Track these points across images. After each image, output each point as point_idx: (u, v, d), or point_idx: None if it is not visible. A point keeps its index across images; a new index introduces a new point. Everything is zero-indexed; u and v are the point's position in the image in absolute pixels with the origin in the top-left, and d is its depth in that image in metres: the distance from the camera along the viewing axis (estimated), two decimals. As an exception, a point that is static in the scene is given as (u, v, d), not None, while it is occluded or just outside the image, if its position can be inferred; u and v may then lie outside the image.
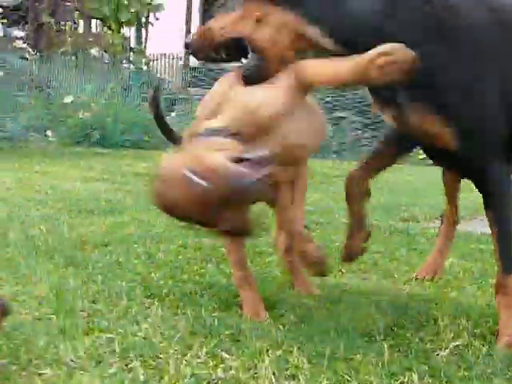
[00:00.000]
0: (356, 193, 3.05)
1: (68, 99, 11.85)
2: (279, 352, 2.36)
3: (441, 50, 2.50)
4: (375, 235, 4.80)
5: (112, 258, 3.67)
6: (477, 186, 2.74)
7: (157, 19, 16.29)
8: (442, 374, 2.27)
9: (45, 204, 5.38)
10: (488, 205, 2.71)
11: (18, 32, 15.94)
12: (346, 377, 2.22)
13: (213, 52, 2.66)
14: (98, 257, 3.67)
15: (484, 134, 2.63)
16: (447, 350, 2.47)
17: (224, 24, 2.59)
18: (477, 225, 5.50)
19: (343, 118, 14.15)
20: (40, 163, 8.61)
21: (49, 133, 11.69)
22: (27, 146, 11.16)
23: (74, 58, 13.00)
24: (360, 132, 14.32)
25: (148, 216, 4.86)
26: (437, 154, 2.93)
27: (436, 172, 3.74)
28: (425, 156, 3.37)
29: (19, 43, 14.15)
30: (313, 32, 2.51)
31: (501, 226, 2.69)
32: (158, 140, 13.00)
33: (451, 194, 3.65)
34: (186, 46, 2.73)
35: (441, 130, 2.56)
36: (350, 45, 2.49)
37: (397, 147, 3.03)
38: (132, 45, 16.52)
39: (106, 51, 13.99)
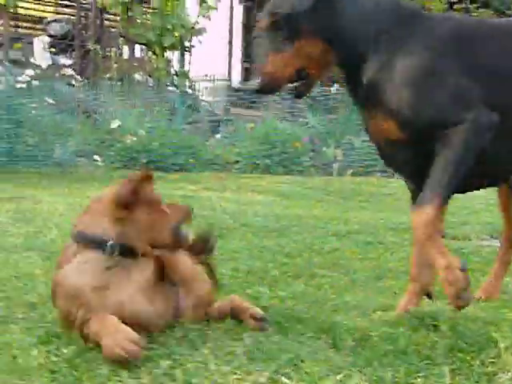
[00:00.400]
0: None
1: (114, 124, 11.94)
2: (339, 377, 2.33)
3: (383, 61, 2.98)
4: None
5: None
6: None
7: (200, 42, 16.35)
8: (505, 397, 2.24)
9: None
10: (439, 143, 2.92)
11: (65, 60, 16.10)
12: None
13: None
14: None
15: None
16: (509, 373, 2.43)
17: (283, 64, 3.01)
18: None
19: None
20: (90, 188, 8.65)
21: (97, 157, 11.78)
22: (76, 170, 11.25)
23: (119, 83, 13.09)
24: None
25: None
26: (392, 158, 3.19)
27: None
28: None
29: (67, 70, 14.29)
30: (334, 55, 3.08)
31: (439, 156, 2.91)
32: (203, 163, 13.08)
33: (507, 212, 3.60)
34: (257, 91, 3.14)
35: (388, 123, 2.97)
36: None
37: None
38: (175, 68, 16.61)
39: (150, 76, 14.08)
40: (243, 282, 3.74)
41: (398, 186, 10.56)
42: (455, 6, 18.24)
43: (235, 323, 2.95)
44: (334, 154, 12.65)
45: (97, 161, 11.95)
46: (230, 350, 2.58)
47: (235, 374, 2.35)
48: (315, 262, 4.33)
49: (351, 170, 12.19)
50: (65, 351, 2.52)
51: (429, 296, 3.28)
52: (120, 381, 2.27)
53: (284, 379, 2.31)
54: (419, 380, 2.36)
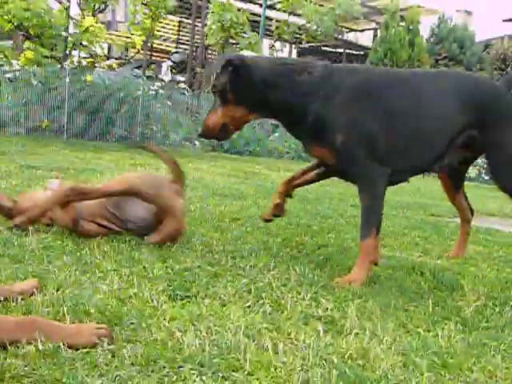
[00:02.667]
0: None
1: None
2: (359, 301, 2.30)
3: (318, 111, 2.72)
4: (413, 224, 4.71)
5: (242, 228, 3.65)
6: (352, 182, 2.94)
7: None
8: (469, 324, 2.18)
9: (196, 189, 5.41)
10: (359, 191, 2.80)
11: (180, 77, 16.15)
12: (404, 321, 2.15)
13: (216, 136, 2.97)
14: (234, 227, 3.67)
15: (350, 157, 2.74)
16: (471, 308, 2.37)
17: (217, 120, 2.83)
18: (483, 221, 5.31)
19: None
20: (191, 162, 8.69)
21: (196, 142, 11.82)
22: (183, 151, 11.31)
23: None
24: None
25: (264, 202, 4.84)
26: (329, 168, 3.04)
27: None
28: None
29: (181, 85, 14.33)
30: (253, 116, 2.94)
31: (363, 206, 2.77)
32: (266, 151, 13.06)
33: (455, 200, 3.53)
34: (200, 135, 3.04)
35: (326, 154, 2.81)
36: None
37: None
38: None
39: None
40: (294, 232, 3.71)
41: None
42: (439, 62, 17.74)
43: (289, 259, 2.92)
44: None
45: (196, 145, 12.01)
46: (286, 277, 2.56)
47: (290, 293, 2.33)
48: (341, 223, 4.27)
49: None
50: (177, 267, 2.52)
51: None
52: (215, 291, 2.26)
53: (322, 299, 2.29)
54: (412, 308, 2.31)
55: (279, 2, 16.49)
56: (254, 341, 1.77)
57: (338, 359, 1.71)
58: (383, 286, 2.57)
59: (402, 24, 17.03)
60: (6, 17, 10.57)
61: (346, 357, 1.74)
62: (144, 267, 2.44)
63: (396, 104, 2.84)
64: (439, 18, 20.87)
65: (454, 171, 3.32)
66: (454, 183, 3.47)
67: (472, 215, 3.56)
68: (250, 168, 9.26)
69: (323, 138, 2.75)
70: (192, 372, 1.53)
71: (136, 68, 16.41)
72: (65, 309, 1.82)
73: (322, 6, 15.95)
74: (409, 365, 1.73)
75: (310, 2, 14.85)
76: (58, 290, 2.05)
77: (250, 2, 18.39)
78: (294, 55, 21.07)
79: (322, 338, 1.87)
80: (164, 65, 16.82)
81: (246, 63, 2.78)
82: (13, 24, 10.81)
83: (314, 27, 15.22)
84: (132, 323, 1.80)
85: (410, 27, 16.97)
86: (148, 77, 13.51)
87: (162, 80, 14.03)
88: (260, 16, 15.72)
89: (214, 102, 2.89)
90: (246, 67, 2.76)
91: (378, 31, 19.41)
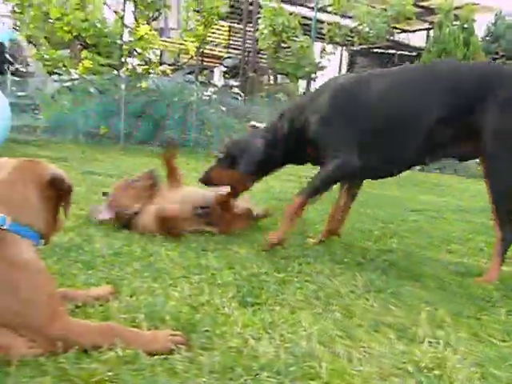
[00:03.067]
0: None
1: (263, 125, 11.96)
2: (429, 308, 2.26)
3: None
4: (477, 229, 4.59)
5: (304, 233, 3.65)
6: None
7: (322, 75, 16.23)
8: None
9: (253, 193, 5.40)
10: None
11: (233, 82, 16.27)
12: (477, 330, 2.10)
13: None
14: (295, 232, 3.67)
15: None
16: None
17: (215, 175, 3.42)
18: None
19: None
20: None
21: (250, 147, 11.89)
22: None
23: (267, 99, 13.12)
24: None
25: (322, 206, 4.80)
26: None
27: None
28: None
29: (234, 89, 14.45)
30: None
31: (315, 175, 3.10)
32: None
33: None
34: (200, 180, 3.49)
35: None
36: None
37: None
38: (304, 91, 16.59)
39: (288, 95, 14.04)
40: (357, 237, 3.68)
41: (448, 179, 10.24)
42: (497, 61, 17.22)
43: (356, 264, 2.91)
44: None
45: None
46: (353, 283, 2.55)
47: (360, 299, 2.32)
48: (403, 228, 4.22)
49: (417, 167, 11.81)
50: (244, 273, 2.54)
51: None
52: (283, 298, 2.27)
53: (391, 306, 2.26)
54: (484, 316, 2.26)
55: (330, 5, 16.41)
56: (327, 348, 1.77)
57: (414, 368, 1.69)
58: (453, 293, 2.51)
59: (457, 23, 16.69)
60: (65, 28, 10.89)
61: (422, 366, 1.71)
62: (212, 274, 2.47)
63: (368, 102, 3.04)
64: (496, 15, 20.35)
65: None
66: None
67: None
68: (306, 172, 9.23)
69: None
70: (269, 380, 1.54)
71: (188, 74, 16.62)
72: (141, 316, 1.86)
73: (373, 7, 15.79)
74: (487, 377, 1.69)
75: (362, 3, 14.68)
76: (131, 297, 2.10)
77: (301, 6, 18.37)
78: (345, 57, 20.95)
79: (394, 345, 1.86)
80: (216, 70, 17.00)
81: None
82: (72, 34, 11.13)
83: (366, 29, 15.07)
84: (206, 330, 1.82)
85: (465, 26, 16.60)
86: (201, 82, 13.66)
87: (215, 85, 14.17)
88: (311, 19, 15.68)
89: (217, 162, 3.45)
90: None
91: (431, 31, 19.06)
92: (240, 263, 2.69)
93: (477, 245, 3.84)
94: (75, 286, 2.19)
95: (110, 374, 1.50)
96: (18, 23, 11.72)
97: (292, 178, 7.80)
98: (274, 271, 2.61)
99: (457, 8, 17.01)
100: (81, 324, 1.69)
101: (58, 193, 1.80)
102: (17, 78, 11.16)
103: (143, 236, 3.12)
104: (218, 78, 16.34)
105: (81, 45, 12.11)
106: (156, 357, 1.61)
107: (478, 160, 3.05)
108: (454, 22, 16.42)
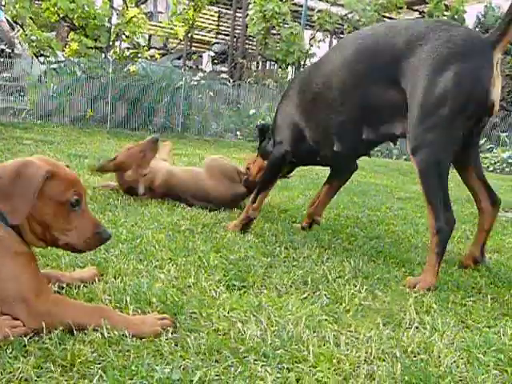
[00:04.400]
0: None
1: (251, 112, 11.92)
2: (416, 295, 2.26)
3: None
4: (463, 218, 4.60)
5: (291, 219, 3.65)
6: None
7: (311, 62, 16.11)
8: None
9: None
10: None
11: (222, 68, 16.17)
12: (463, 316, 2.10)
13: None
14: (283, 217, 3.67)
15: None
16: None
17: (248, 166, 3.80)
18: None
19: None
20: (232, 152, 8.70)
21: (238, 133, 11.83)
22: (224, 140, 11.35)
23: (255, 85, 13.04)
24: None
25: (310, 192, 4.81)
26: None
27: None
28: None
29: (223, 75, 14.36)
30: None
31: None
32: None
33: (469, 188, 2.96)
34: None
35: None
36: None
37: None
38: (292, 77, 16.45)
39: (276, 82, 13.93)
40: (344, 224, 3.67)
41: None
42: None
43: (344, 249, 2.90)
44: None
45: (238, 135, 12.01)
46: (340, 269, 2.54)
47: (348, 286, 2.31)
48: (389, 215, 4.22)
49: (404, 156, 11.84)
50: (231, 257, 2.52)
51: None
52: (271, 282, 2.25)
53: (378, 292, 2.26)
54: (470, 303, 2.26)
55: (321, -8, 16.34)
56: (314, 332, 1.77)
57: (401, 353, 1.69)
58: (439, 280, 2.51)
59: (447, 13, 16.68)
60: (52, 9, 10.74)
61: (409, 351, 1.71)
62: (199, 257, 2.45)
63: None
64: (485, 7, 20.37)
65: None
66: (462, 164, 2.79)
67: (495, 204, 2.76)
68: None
69: None
70: (256, 362, 1.53)
71: (176, 59, 16.49)
72: (127, 298, 1.84)
73: (364, -5, 15.75)
74: (473, 361, 1.69)
75: (353, -9, 14.61)
76: (116, 278, 2.08)
77: (292, -8, 18.29)
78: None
79: (382, 330, 1.85)
80: (205, 55, 16.88)
81: None
82: (59, 15, 10.97)
83: (356, 17, 14.98)
84: (193, 313, 1.81)
85: (455, 17, 16.61)
86: (189, 67, 13.55)
87: (204, 71, 14.07)
88: (301, 6, 15.58)
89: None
90: None
91: (422, 21, 18.99)
92: (227, 247, 2.68)
93: (463, 233, 3.86)
94: (60, 267, 2.16)
95: (94, 355, 1.48)
96: (3, 2, 11.54)
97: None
98: (261, 255, 2.60)
99: (447, -2, 17.03)
100: (69, 302, 1.67)
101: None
102: (2, 60, 10.99)
103: (129, 218, 3.10)
104: (206, 64, 16.22)
105: (68, 27, 11.94)
106: (143, 340, 1.60)
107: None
108: (445, 13, 16.41)
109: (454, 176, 7.35)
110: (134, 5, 12.33)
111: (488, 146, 13.05)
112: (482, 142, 11.71)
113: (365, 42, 2.66)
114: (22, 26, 11.35)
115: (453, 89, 2.27)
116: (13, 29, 11.94)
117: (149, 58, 12.80)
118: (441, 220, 2.40)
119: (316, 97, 2.89)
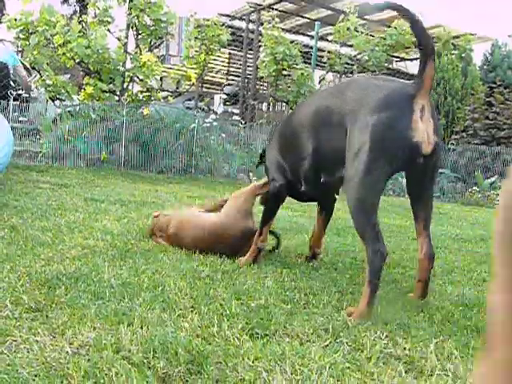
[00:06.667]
0: None
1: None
2: (436, 340, 2.29)
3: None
4: (477, 258, 4.62)
5: (309, 264, 3.69)
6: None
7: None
8: None
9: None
10: None
11: (233, 109, 16.40)
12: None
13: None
14: (300, 262, 3.71)
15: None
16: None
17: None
18: None
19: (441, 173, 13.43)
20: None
21: (250, 174, 11.92)
22: (237, 181, 11.44)
23: (267, 126, 13.18)
24: (453, 182, 13.52)
25: (325, 237, 4.83)
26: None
27: None
28: None
29: (235, 117, 14.56)
30: None
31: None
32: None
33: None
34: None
35: None
36: None
37: None
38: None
39: (287, 123, 13.99)
40: (361, 268, 3.68)
41: (450, 207, 10.27)
42: (495, 90, 17.28)
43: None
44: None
45: (250, 176, 12.11)
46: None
47: (368, 331, 2.34)
48: (405, 258, 4.24)
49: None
50: (252, 304, 2.56)
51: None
52: (292, 329, 2.29)
53: (398, 338, 2.29)
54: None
55: (330, 34, 16.62)
56: (338, 381, 1.80)
57: (424, 402, 1.71)
58: (458, 325, 2.54)
59: (455, 52, 16.91)
60: (68, 54, 11.02)
61: (432, 400, 1.74)
62: (221, 304, 2.50)
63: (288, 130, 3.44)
64: (492, 45, 20.62)
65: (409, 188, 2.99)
66: (414, 210, 2.98)
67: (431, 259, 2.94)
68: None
69: None
70: (284, 413, 1.56)
71: (187, 100, 16.75)
72: (155, 348, 1.89)
73: (372, 36, 16.00)
74: (497, 410, 1.71)
75: (362, 32, 14.87)
76: (142, 328, 2.12)
77: (302, 35, 18.61)
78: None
79: (404, 378, 1.88)
80: (217, 97, 17.13)
81: None
82: (74, 60, 11.25)
83: (366, 58, 15.23)
84: (219, 362, 1.85)
85: (463, 55, 16.84)
86: (201, 109, 13.75)
87: (216, 112, 14.27)
88: (312, 48, 15.86)
89: None
90: None
91: (430, 60, 19.19)
92: (247, 294, 2.72)
93: (479, 275, 3.87)
94: (86, 317, 2.21)
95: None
96: (21, 48, 11.84)
97: (293, 206, 7.83)
98: (281, 302, 2.64)
99: (455, 37, 17.27)
100: None
101: None
102: (19, 103, 11.24)
103: (149, 266, 3.15)
104: (218, 105, 16.45)
105: (83, 71, 12.22)
106: (169, 389, 1.64)
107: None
108: (453, 51, 16.64)
109: (468, 215, 7.37)
110: (147, 49, 12.61)
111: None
112: (493, 179, 11.71)
113: (320, 100, 3.09)
114: (39, 72, 11.63)
115: (370, 136, 2.58)
116: (30, 74, 12.23)
117: (161, 99, 13.04)
118: (372, 252, 2.57)
119: (288, 144, 3.42)
